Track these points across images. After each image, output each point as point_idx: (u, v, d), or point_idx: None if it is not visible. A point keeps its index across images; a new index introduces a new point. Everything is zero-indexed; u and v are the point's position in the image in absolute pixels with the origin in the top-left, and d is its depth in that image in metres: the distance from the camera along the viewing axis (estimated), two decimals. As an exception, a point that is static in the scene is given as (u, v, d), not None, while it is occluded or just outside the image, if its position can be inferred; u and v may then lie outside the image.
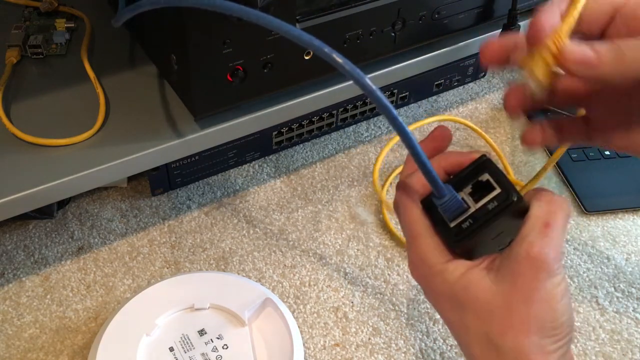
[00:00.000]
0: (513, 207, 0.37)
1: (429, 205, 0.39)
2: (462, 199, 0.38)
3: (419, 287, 0.62)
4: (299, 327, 0.58)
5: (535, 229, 0.36)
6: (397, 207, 0.40)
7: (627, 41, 0.34)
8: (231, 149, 0.71)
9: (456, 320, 0.38)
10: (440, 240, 0.39)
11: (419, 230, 0.39)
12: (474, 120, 0.81)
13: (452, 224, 0.38)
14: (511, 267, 0.36)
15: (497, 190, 0.37)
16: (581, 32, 0.37)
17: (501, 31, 0.73)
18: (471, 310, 0.37)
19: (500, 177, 0.38)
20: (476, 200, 0.38)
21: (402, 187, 0.40)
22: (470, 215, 0.37)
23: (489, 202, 0.37)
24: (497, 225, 0.37)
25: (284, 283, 0.62)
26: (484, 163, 0.38)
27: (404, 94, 0.80)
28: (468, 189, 0.38)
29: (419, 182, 0.39)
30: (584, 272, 0.64)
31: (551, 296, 0.35)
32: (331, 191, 0.71)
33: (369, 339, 0.58)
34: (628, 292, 0.63)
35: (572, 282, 0.63)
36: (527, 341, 0.35)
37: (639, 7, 0.36)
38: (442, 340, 0.58)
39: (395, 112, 0.34)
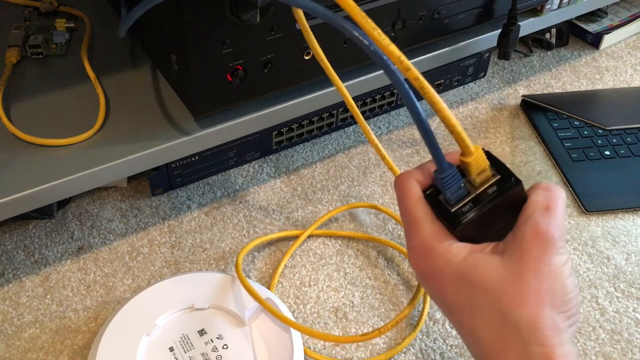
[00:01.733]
0: (512, 190, 0.38)
1: (430, 196, 0.40)
2: (463, 186, 0.39)
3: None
4: (299, 327, 0.58)
5: (537, 210, 0.37)
6: (398, 193, 0.41)
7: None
8: (231, 149, 0.71)
9: (463, 302, 0.37)
10: (442, 225, 0.39)
11: (419, 214, 0.39)
12: (474, 120, 0.81)
13: (454, 209, 0.39)
14: (518, 246, 0.37)
15: (497, 177, 0.39)
16: None
17: (501, 31, 0.73)
18: (481, 287, 0.36)
19: (499, 165, 0.39)
20: (477, 188, 0.39)
21: (403, 176, 0.41)
22: (471, 199, 0.38)
23: (489, 187, 0.39)
24: (497, 210, 0.38)
25: (284, 283, 0.62)
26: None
27: (404, 94, 0.80)
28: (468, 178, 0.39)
29: (420, 174, 0.41)
30: (584, 272, 0.64)
31: (560, 271, 0.36)
32: (331, 191, 0.71)
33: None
34: (628, 292, 0.63)
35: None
36: (542, 315, 0.35)
37: None
38: (442, 340, 0.58)
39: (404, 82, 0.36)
